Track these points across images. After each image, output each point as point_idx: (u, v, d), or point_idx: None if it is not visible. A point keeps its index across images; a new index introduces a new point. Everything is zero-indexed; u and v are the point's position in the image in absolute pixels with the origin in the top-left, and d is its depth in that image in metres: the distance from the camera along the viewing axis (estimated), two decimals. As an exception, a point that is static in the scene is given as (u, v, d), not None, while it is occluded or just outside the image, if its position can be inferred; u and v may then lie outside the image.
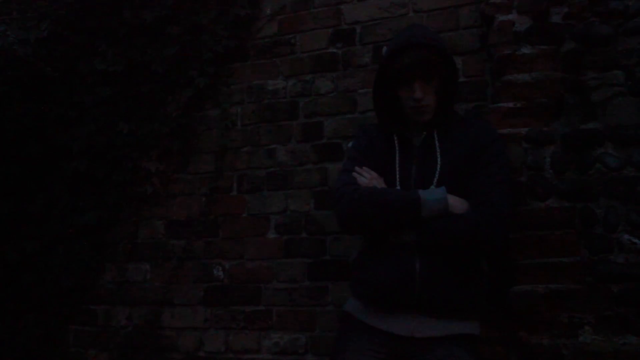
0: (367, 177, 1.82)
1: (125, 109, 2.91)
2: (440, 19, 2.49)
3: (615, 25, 1.98)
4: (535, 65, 2.02)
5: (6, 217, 3.00)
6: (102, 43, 2.97)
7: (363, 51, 2.62)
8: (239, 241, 2.70)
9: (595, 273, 1.85)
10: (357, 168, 1.85)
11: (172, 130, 2.83)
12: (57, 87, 3.00)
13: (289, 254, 2.61)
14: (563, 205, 1.92)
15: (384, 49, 2.47)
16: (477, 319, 1.80)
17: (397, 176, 1.82)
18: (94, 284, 2.89)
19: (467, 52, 2.42)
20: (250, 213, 2.71)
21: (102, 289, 2.89)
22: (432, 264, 1.71)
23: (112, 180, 2.89)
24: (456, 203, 1.72)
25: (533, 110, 2.00)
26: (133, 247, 2.87)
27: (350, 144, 2.01)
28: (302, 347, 2.51)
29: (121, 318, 2.82)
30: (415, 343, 1.72)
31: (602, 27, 1.99)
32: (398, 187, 1.82)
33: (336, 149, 2.59)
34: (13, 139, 3.03)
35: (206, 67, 2.82)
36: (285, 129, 2.71)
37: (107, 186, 2.90)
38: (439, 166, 1.79)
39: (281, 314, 2.57)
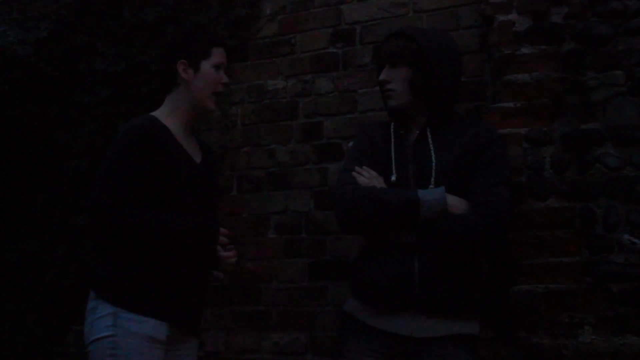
0: (367, 177, 1.82)
1: (125, 109, 2.90)
2: (440, 19, 2.49)
3: (615, 25, 1.97)
4: (535, 65, 2.02)
5: (6, 217, 3.00)
6: (102, 43, 2.97)
7: (363, 51, 2.61)
8: (239, 241, 2.69)
9: (595, 273, 1.85)
10: (356, 167, 1.85)
11: (172, 130, 2.83)
12: (57, 87, 3.00)
13: (289, 254, 2.60)
14: (563, 205, 1.92)
15: None
16: (477, 319, 1.80)
17: (394, 176, 1.82)
18: (94, 284, 2.89)
19: (467, 52, 2.42)
20: (250, 213, 2.71)
21: (102, 289, 2.88)
22: (431, 264, 1.71)
23: (113, 180, 2.89)
24: (455, 203, 1.72)
25: (533, 110, 2.00)
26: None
27: (350, 144, 2.01)
28: (302, 347, 2.51)
29: (121, 318, 2.81)
30: (414, 343, 1.72)
31: (602, 27, 1.98)
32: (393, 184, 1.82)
33: (336, 149, 2.59)
34: (13, 139, 3.02)
35: (206, 67, 2.82)
36: (285, 129, 2.71)
37: (107, 186, 2.90)
38: (434, 165, 1.79)
39: (281, 314, 2.57)
